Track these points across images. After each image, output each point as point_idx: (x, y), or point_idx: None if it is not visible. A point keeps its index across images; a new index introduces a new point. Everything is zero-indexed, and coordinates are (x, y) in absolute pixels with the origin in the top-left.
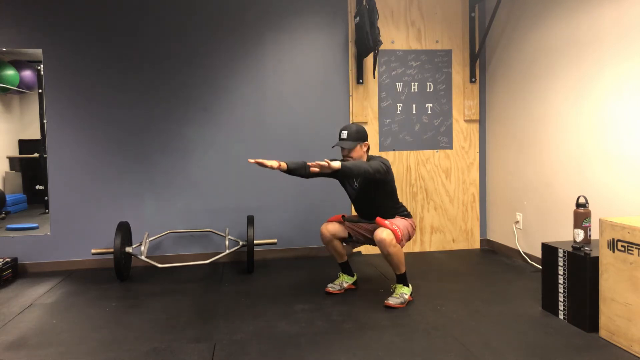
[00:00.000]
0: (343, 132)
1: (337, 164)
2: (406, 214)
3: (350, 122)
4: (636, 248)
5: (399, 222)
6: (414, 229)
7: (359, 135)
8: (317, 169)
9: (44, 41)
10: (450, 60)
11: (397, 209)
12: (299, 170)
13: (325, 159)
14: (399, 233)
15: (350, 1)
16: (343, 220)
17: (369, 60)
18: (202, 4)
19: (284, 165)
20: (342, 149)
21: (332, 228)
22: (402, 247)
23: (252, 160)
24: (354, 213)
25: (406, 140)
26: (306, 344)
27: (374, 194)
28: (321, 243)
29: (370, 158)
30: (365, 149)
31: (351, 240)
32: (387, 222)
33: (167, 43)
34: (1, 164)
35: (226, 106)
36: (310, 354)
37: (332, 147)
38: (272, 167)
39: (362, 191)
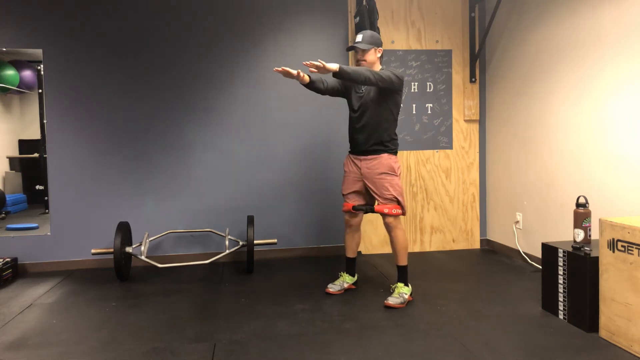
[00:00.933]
0: (358, 35)
1: (334, 65)
2: (394, 151)
3: None
4: (636, 248)
5: (393, 189)
6: (400, 168)
7: (374, 40)
8: (314, 69)
9: (44, 41)
10: (450, 60)
11: (391, 140)
12: (317, 83)
13: (319, 60)
14: (400, 205)
15: (350, 1)
16: (353, 210)
17: None
18: (203, 4)
19: (306, 78)
20: (356, 51)
21: (357, 219)
22: (404, 231)
23: (278, 69)
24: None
25: (406, 140)
26: (306, 344)
27: (377, 110)
28: (321, 243)
29: (382, 68)
30: (378, 54)
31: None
32: (385, 208)
33: (167, 43)
34: (1, 164)
35: (226, 106)
36: (310, 354)
37: (347, 49)
38: (297, 74)
39: (367, 103)
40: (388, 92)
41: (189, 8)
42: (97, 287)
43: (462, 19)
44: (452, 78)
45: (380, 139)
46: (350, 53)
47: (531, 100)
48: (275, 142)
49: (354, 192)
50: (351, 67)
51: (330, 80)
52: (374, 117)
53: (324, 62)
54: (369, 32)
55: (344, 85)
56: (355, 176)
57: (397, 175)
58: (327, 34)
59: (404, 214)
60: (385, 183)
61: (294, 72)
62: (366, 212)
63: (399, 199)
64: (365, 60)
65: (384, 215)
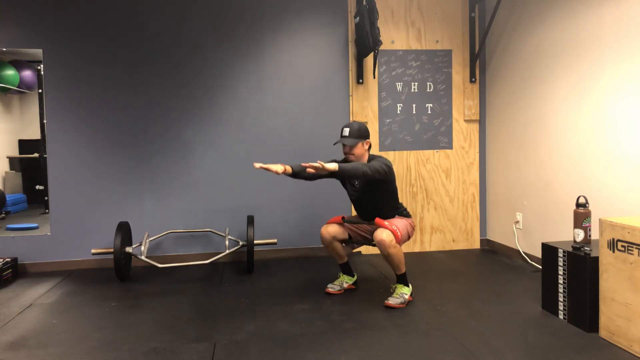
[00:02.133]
0: (345, 129)
1: (333, 166)
2: (406, 214)
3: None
4: (636, 248)
5: (398, 223)
6: (413, 229)
7: (361, 133)
8: (312, 170)
9: (44, 41)
10: (450, 60)
11: (397, 209)
12: (302, 173)
13: (319, 161)
14: (399, 234)
15: (350, 1)
16: (343, 221)
17: (369, 60)
18: (203, 4)
19: (289, 169)
20: (344, 146)
21: (332, 230)
22: (401, 247)
23: (257, 165)
24: (354, 214)
25: (406, 140)
26: (306, 344)
27: (375, 194)
28: (321, 243)
29: (371, 157)
30: (367, 146)
31: (351, 241)
32: (386, 222)
33: (167, 43)
34: (1, 164)
35: (226, 106)
36: (310, 354)
37: (334, 144)
38: (277, 172)
39: (363, 191)
40: (382, 182)
41: (189, 8)
42: (97, 287)
43: (462, 19)
44: (452, 78)
45: (386, 213)
46: (350, 52)
47: (531, 100)
48: (275, 142)
49: (339, 225)
50: (348, 164)
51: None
52: (374, 203)
53: (322, 163)
54: (356, 125)
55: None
56: (359, 226)
57: (409, 224)
58: (327, 34)
59: (398, 241)
60: (391, 220)
61: (274, 168)
62: (353, 243)
63: (400, 232)
64: (353, 155)
65: (380, 229)
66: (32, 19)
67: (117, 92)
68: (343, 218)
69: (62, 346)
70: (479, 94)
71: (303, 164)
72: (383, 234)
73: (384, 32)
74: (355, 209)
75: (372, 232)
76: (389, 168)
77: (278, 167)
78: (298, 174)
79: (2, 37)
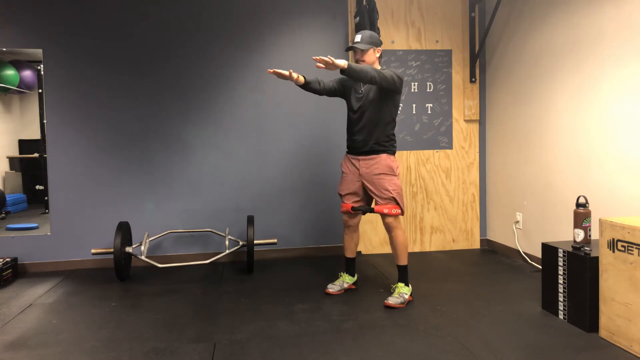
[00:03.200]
0: (357, 35)
1: (342, 62)
2: (393, 150)
3: None
4: (636, 248)
5: (392, 188)
6: (399, 171)
7: (373, 40)
8: (322, 65)
9: (44, 41)
10: (450, 60)
11: (390, 140)
12: (313, 84)
13: (329, 56)
14: (400, 205)
15: (350, 1)
16: (352, 210)
17: None
18: (203, 5)
19: (301, 78)
20: (355, 51)
21: (356, 219)
22: (405, 233)
23: (270, 70)
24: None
25: (406, 140)
26: (306, 344)
27: (378, 105)
28: (321, 243)
29: (383, 69)
30: (378, 54)
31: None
32: (385, 209)
33: (167, 44)
34: (1, 164)
35: (226, 107)
36: (310, 354)
37: (346, 49)
38: (288, 74)
39: (367, 100)
40: (388, 92)
41: (189, 8)
42: (97, 287)
43: (462, 19)
44: (452, 78)
45: (379, 139)
46: (351, 52)
47: (531, 100)
48: (275, 142)
49: (352, 192)
50: (358, 64)
51: (327, 81)
52: (373, 118)
53: (332, 58)
54: (367, 32)
55: (342, 85)
56: (353, 177)
57: (396, 175)
58: (327, 34)
59: (402, 214)
60: (384, 183)
61: (286, 72)
62: (365, 212)
63: (398, 199)
64: (364, 61)
65: (383, 215)
66: (32, 19)
67: (117, 92)
68: (353, 208)
69: (62, 346)
70: (479, 94)
71: (313, 57)
72: (389, 217)
73: (384, 32)
74: (350, 133)
75: (371, 200)
76: (400, 79)
77: (288, 73)
78: (309, 83)
79: (2, 37)
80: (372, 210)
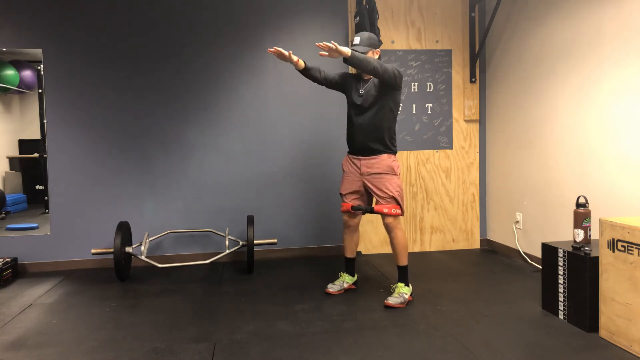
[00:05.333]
0: (356, 37)
1: (346, 49)
2: (394, 151)
3: None
4: (636, 248)
5: (392, 188)
6: (399, 170)
7: (371, 42)
8: (325, 54)
9: (44, 41)
10: (450, 60)
11: (390, 140)
12: (313, 71)
13: (333, 42)
14: (400, 205)
15: (350, 1)
16: (352, 210)
17: None
18: (203, 5)
19: (301, 63)
20: None
21: (356, 219)
22: (404, 233)
23: (271, 49)
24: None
25: (406, 140)
26: (306, 344)
27: (379, 102)
28: (321, 243)
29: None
30: (377, 56)
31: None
32: (385, 208)
33: (167, 44)
34: (1, 164)
35: (226, 106)
36: (310, 354)
37: None
38: (288, 54)
39: (367, 97)
40: (389, 89)
41: (189, 8)
42: (97, 287)
43: (462, 19)
44: (452, 78)
45: (380, 139)
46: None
47: (531, 100)
48: (275, 142)
49: (353, 192)
50: (361, 54)
51: (329, 72)
52: (374, 116)
53: (337, 45)
54: (366, 34)
55: (344, 80)
56: (354, 176)
57: (396, 175)
58: (327, 34)
59: (402, 214)
60: (384, 183)
61: (286, 52)
62: (365, 212)
63: (398, 199)
64: None
65: (383, 215)
66: (32, 19)
67: (117, 92)
68: (352, 207)
69: (62, 346)
70: (479, 94)
71: (317, 44)
72: (389, 218)
73: (384, 32)
74: (350, 132)
75: (371, 200)
76: (400, 75)
77: (289, 55)
78: (310, 69)
79: (2, 37)
80: (372, 210)
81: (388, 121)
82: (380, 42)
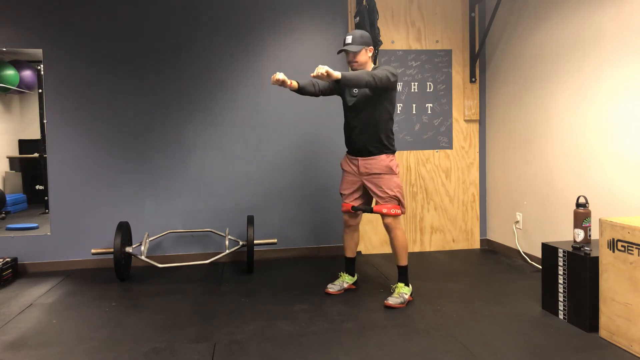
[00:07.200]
0: (348, 37)
1: (337, 73)
2: (392, 151)
3: None
4: (636, 248)
5: (392, 187)
6: (398, 170)
7: (364, 40)
8: (319, 80)
9: (44, 41)
10: (450, 60)
11: (388, 139)
12: (308, 87)
13: (326, 69)
14: (400, 204)
15: (350, 1)
16: (353, 210)
17: None
18: (203, 5)
19: (295, 84)
20: (347, 53)
21: (356, 219)
22: (404, 232)
23: (274, 82)
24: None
25: (406, 140)
26: (306, 344)
27: (374, 102)
28: (321, 243)
29: (374, 68)
30: (370, 54)
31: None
32: (384, 208)
33: (167, 44)
34: (1, 164)
35: (226, 106)
36: (310, 354)
37: (338, 52)
38: (283, 79)
39: (362, 99)
40: (383, 90)
41: (189, 8)
42: (97, 287)
43: (462, 19)
44: (452, 78)
45: (378, 138)
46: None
47: (531, 100)
48: (275, 142)
49: (353, 191)
50: (351, 72)
51: (322, 82)
52: (370, 116)
53: (329, 70)
54: (358, 32)
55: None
56: (353, 176)
57: (396, 174)
58: (327, 34)
59: (403, 213)
60: (383, 183)
61: (287, 80)
62: (365, 212)
63: (399, 197)
64: (357, 62)
65: (383, 215)
66: (32, 19)
67: (117, 92)
68: (353, 207)
69: (62, 346)
70: (479, 94)
71: (312, 75)
72: (388, 218)
73: (384, 32)
74: (347, 133)
75: (371, 200)
76: (394, 75)
77: (283, 76)
78: (304, 88)
79: (2, 37)
80: (372, 210)
81: (384, 121)
82: (380, 42)
